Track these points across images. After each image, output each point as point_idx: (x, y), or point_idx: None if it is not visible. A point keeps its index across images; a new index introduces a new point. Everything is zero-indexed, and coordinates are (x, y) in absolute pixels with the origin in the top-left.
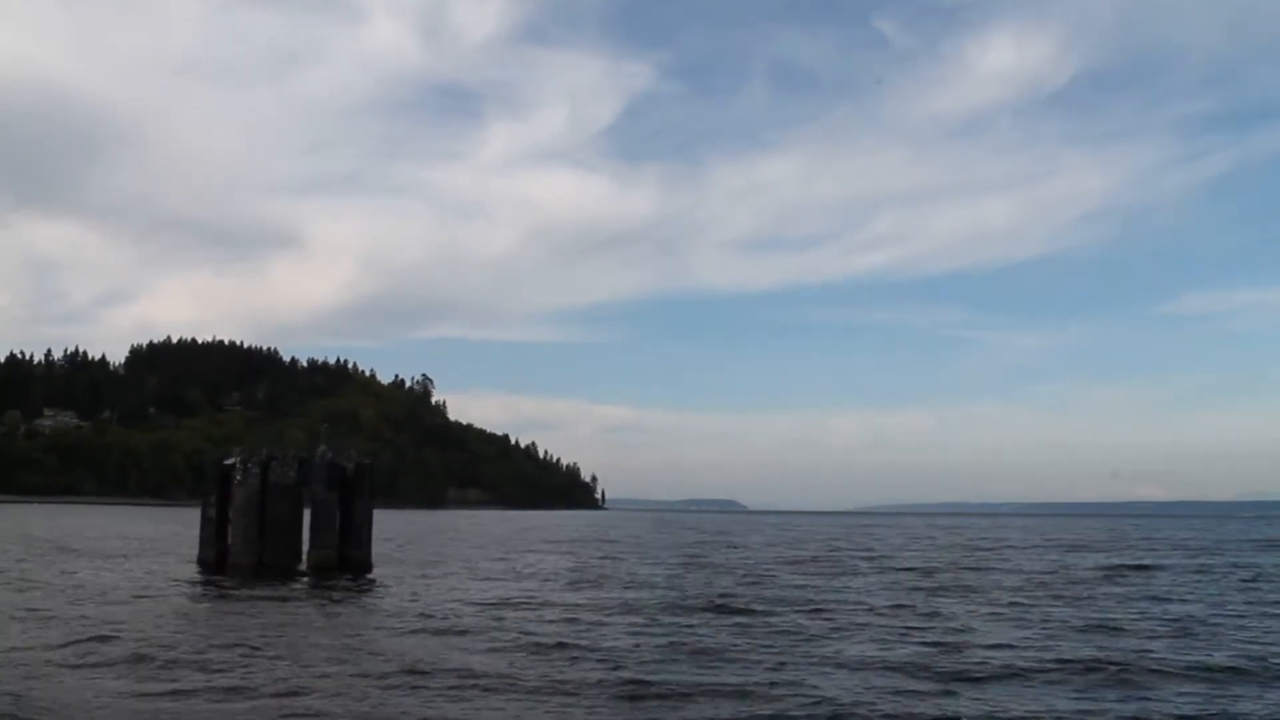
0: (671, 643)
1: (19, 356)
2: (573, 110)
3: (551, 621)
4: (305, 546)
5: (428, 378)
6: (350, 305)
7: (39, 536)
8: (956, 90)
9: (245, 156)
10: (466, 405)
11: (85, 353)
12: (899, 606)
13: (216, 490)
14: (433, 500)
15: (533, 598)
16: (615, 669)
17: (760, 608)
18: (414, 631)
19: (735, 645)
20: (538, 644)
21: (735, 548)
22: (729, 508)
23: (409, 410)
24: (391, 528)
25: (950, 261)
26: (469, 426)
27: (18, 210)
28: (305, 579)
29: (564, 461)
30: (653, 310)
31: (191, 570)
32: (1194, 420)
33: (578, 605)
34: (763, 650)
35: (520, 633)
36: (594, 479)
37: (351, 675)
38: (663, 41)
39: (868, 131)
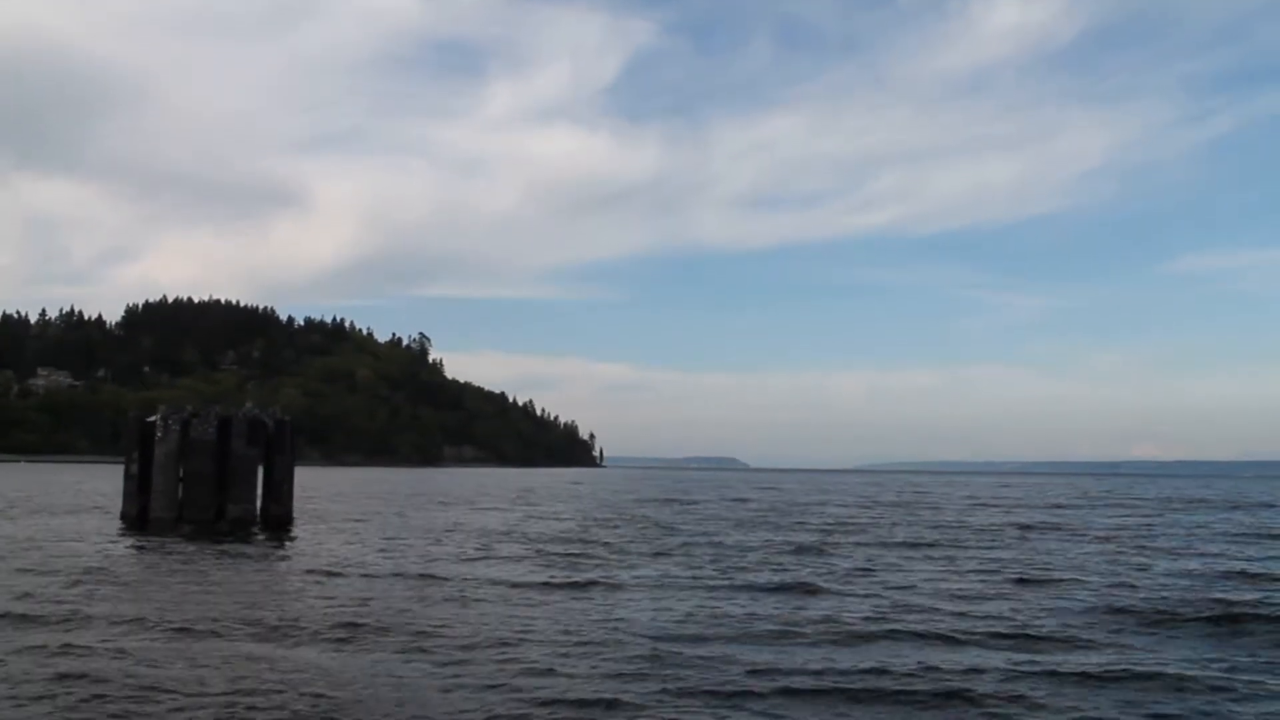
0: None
1: (14, 316)
2: (575, 67)
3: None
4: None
5: (425, 336)
6: (351, 264)
7: None
8: (961, 47)
9: (246, 114)
10: (466, 364)
11: (80, 312)
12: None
13: (138, 447)
14: (428, 458)
15: (416, 556)
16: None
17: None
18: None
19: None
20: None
21: (685, 503)
22: (730, 465)
23: (405, 369)
24: (357, 484)
25: (953, 220)
26: (466, 385)
27: (18, 169)
28: (223, 534)
29: (563, 420)
30: (654, 268)
31: (114, 525)
32: (1196, 380)
33: (446, 575)
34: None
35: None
36: (591, 437)
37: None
38: None
39: (871, 89)
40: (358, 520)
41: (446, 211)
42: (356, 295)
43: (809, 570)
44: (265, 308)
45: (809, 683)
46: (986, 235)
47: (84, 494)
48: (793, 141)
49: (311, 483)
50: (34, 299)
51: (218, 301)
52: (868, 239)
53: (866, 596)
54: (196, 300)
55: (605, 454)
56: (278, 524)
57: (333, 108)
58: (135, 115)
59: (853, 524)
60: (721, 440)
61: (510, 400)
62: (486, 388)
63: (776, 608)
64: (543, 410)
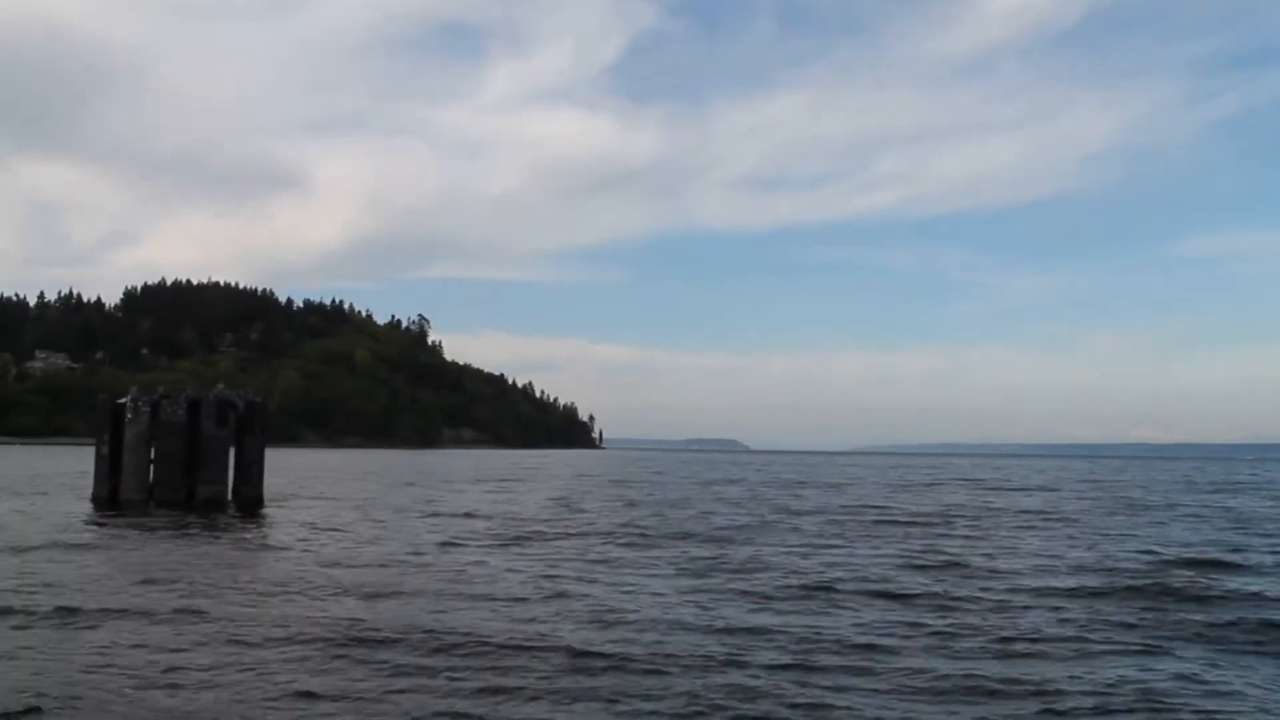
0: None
1: (13, 299)
2: (576, 48)
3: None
4: None
5: (424, 318)
6: (352, 246)
7: None
8: (963, 29)
9: (246, 97)
10: (467, 346)
11: (79, 295)
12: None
13: (109, 429)
14: (427, 440)
15: (370, 536)
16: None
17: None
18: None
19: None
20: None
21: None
22: (731, 447)
23: (404, 351)
24: (343, 467)
25: (955, 202)
26: (465, 366)
27: (17, 153)
28: (190, 515)
29: (562, 401)
30: (655, 250)
31: (85, 506)
32: (1197, 362)
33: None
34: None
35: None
36: (591, 419)
37: None
38: None
39: (874, 70)
40: (329, 502)
41: (447, 194)
42: (357, 277)
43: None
44: (264, 290)
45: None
46: (988, 217)
47: (65, 475)
48: (794, 123)
49: (298, 465)
50: (34, 282)
51: (216, 284)
52: (869, 221)
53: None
54: (195, 283)
55: (606, 436)
56: (248, 505)
57: (333, 90)
58: (135, 98)
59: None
60: (723, 422)
61: (510, 382)
62: (486, 369)
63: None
64: (542, 392)
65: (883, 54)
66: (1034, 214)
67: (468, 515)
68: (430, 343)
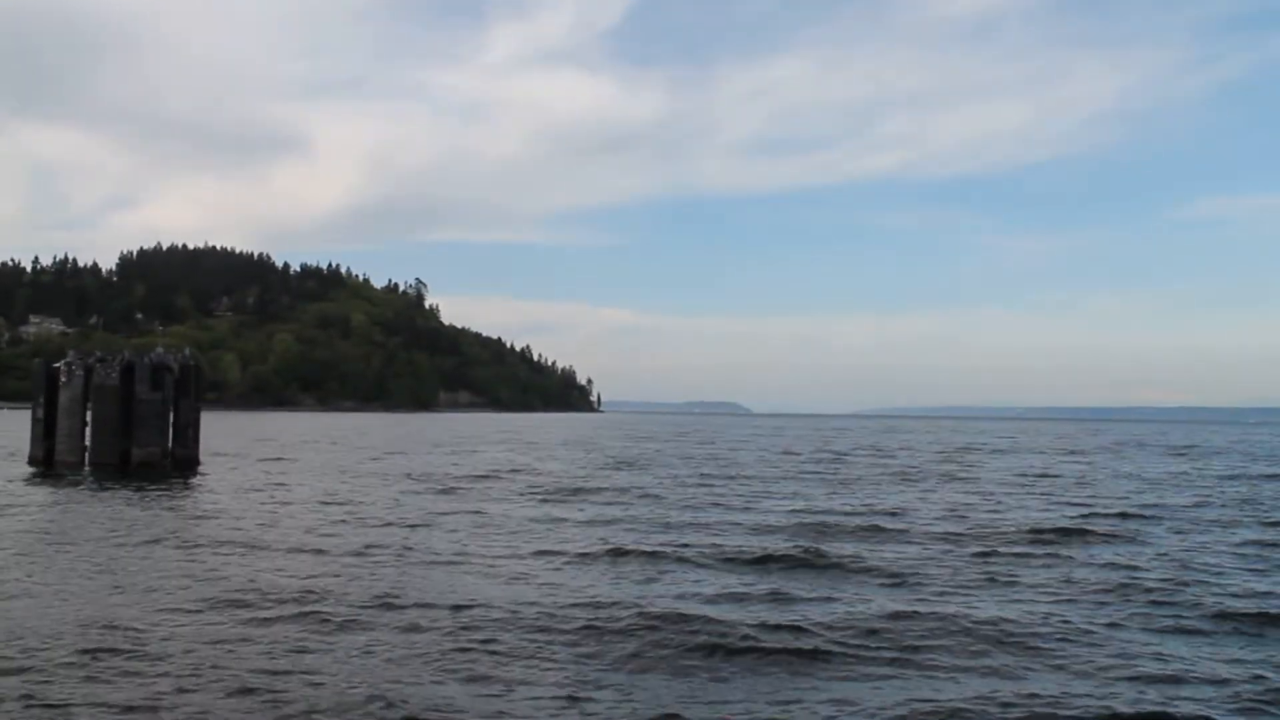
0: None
1: (8, 264)
2: (578, 10)
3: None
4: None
5: (421, 282)
6: (353, 209)
7: None
8: None
9: (247, 59)
10: (467, 309)
11: (74, 260)
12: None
13: (45, 392)
14: (423, 404)
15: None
16: None
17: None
18: None
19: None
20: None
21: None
22: (732, 410)
23: (401, 314)
24: (319, 429)
25: (959, 165)
26: (463, 330)
27: (18, 116)
28: (121, 477)
29: (561, 365)
30: (658, 213)
31: (23, 468)
32: (1202, 326)
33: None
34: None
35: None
36: (589, 382)
37: None
38: None
39: (878, 32)
40: (270, 466)
41: (448, 157)
42: (357, 241)
43: None
44: (261, 254)
45: None
46: (993, 180)
47: (16, 438)
48: (799, 85)
49: (273, 429)
50: (30, 246)
51: (213, 248)
52: (872, 183)
53: None
54: (191, 247)
55: (605, 399)
56: (183, 466)
57: (335, 53)
58: (136, 61)
59: None
60: (724, 385)
61: (508, 345)
62: (485, 333)
63: None
64: (540, 355)
65: (887, 16)
66: (1037, 177)
67: (407, 476)
68: (428, 306)
